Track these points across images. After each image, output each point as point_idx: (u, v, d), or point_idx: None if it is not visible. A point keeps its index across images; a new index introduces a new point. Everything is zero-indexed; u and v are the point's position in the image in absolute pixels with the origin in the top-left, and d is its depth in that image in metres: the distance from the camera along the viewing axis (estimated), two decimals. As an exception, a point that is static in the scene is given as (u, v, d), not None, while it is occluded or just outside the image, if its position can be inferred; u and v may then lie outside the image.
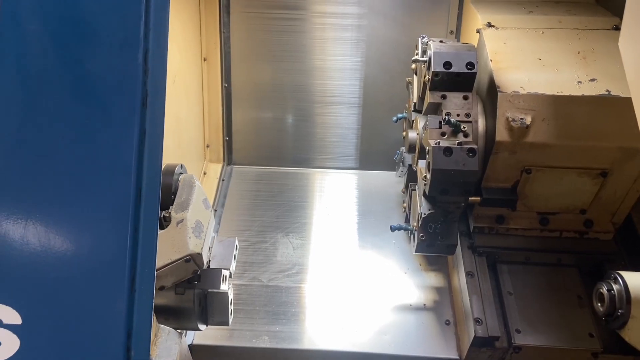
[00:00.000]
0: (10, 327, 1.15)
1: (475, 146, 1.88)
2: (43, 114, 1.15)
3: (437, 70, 1.97)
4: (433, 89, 2.02)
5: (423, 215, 2.09)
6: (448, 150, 1.88)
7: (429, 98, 2.04)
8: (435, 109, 2.05)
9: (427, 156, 1.95)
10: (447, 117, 1.93)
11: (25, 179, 1.15)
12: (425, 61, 2.10)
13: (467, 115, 1.98)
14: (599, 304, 1.83)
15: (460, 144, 1.90)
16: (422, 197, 2.12)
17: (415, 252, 2.25)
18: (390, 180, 3.08)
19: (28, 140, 1.15)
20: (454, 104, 2.00)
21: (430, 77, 2.01)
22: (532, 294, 2.21)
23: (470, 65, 1.96)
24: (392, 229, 2.41)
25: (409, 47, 2.48)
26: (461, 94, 2.00)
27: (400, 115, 2.57)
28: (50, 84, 1.15)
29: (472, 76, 1.98)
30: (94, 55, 1.14)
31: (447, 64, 1.97)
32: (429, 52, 2.04)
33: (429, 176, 1.93)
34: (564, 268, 2.29)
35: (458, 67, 1.97)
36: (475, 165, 1.87)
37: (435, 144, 1.90)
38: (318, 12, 2.95)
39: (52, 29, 1.14)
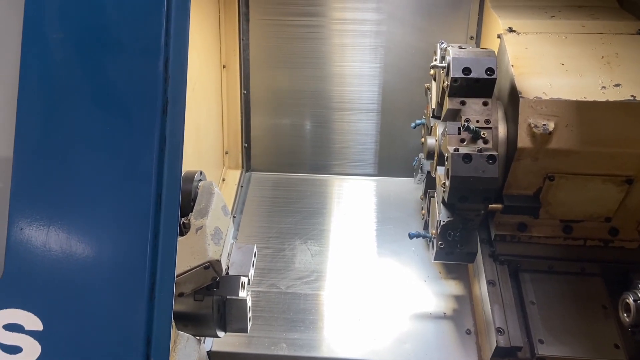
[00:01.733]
0: (32, 333, 1.16)
1: (495, 153, 1.85)
2: (65, 122, 1.16)
3: (456, 76, 1.95)
4: (452, 94, 2.00)
5: (442, 223, 2.07)
6: (467, 157, 1.85)
7: (448, 104, 2.02)
8: (454, 115, 2.03)
9: (446, 163, 1.93)
10: (466, 124, 1.90)
11: (48, 186, 1.17)
12: (444, 67, 2.08)
13: (487, 121, 1.95)
14: (625, 314, 1.78)
15: (479, 150, 1.87)
16: (441, 204, 2.10)
17: (434, 260, 2.22)
18: (409, 187, 3.06)
19: (50, 147, 1.17)
20: (474, 110, 1.98)
21: (449, 83, 1.99)
22: (555, 304, 2.17)
23: (490, 70, 1.94)
24: (411, 236, 2.39)
25: (428, 53, 2.47)
26: (481, 100, 1.98)
27: (418, 122, 2.56)
28: (72, 92, 1.16)
29: (492, 82, 1.96)
30: (115, 64, 1.15)
31: (467, 70, 1.95)
32: (447, 57, 2.02)
33: (447, 183, 1.91)
34: (588, 277, 2.24)
35: (477, 72, 1.95)
36: (495, 172, 1.84)
37: (454, 150, 1.88)
38: (337, 19, 2.95)
39: (74, 38, 1.15)
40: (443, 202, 2.05)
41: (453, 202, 1.95)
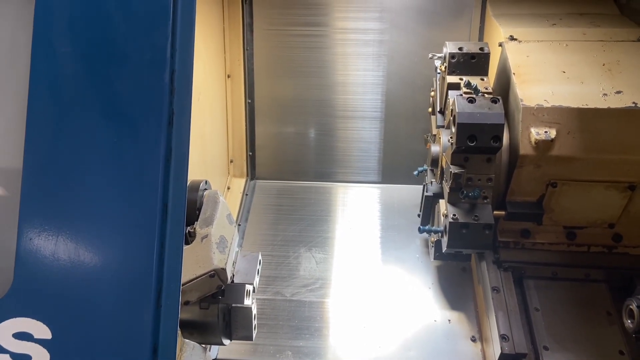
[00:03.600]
0: (41, 342, 1.18)
1: (498, 97, 1.89)
2: (74, 133, 1.19)
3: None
4: (451, 72, 2.12)
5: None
6: (471, 100, 1.89)
7: (449, 79, 2.09)
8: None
9: (451, 109, 1.95)
10: (467, 81, 1.97)
11: (56, 197, 1.19)
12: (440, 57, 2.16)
13: (486, 88, 2.03)
14: (629, 321, 1.79)
15: (482, 95, 1.92)
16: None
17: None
18: (412, 194, 3.07)
19: (59, 158, 1.19)
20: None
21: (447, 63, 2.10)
22: (559, 310, 2.17)
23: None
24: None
25: (430, 62, 2.49)
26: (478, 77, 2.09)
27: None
28: (80, 104, 1.19)
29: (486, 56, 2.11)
30: (122, 76, 1.17)
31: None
32: (444, 49, 2.06)
33: (454, 129, 1.90)
34: (593, 283, 2.25)
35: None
36: (501, 109, 1.86)
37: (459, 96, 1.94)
38: (340, 28, 2.98)
39: (83, 52, 1.18)
40: (451, 161, 1.99)
41: (462, 144, 1.89)
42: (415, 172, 2.58)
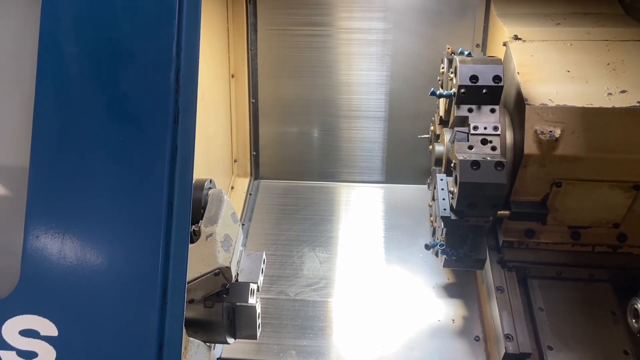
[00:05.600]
0: (47, 339, 1.19)
1: (503, 160, 1.87)
2: (80, 132, 1.19)
3: (464, 84, 1.96)
4: (459, 102, 2.02)
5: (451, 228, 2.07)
6: (475, 164, 1.87)
7: (456, 112, 2.03)
8: (462, 122, 2.04)
9: (454, 170, 1.95)
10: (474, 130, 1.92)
11: (62, 195, 1.19)
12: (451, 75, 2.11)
13: (495, 128, 1.97)
14: (634, 320, 1.78)
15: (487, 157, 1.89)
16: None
17: (444, 266, 2.22)
18: (416, 194, 3.07)
19: (65, 156, 1.20)
20: (481, 118, 1.99)
21: (456, 91, 2.01)
22: (564, 310, 2.16)
23: (497, 79, 1.96)
24: (428, 247, 2.37)
25: (434, 61, 2.49)
26: (488, 107, 2.00)
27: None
28: (86, 103, 1.19)
29: (499, 89, 1.97)
30: (128, 75, 1.18)
31: (474, 78, 1.97)
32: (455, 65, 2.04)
33: (456, 190, 1.93)
34: (597, 283, 2.24)
35: (485, 80, 1.96)
36: (503, 179, 1.85)
37: (463, 157, 1.89)
38: (344, 28, 2.98)
39: (89, 51, 1.18)
40: (451, 209, 2.05)
41: (462, 208, 1.96)
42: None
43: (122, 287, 1.18)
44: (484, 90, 1.95)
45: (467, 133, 1.95)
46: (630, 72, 2.09)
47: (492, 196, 1.88)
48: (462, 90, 1.97)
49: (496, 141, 1.94)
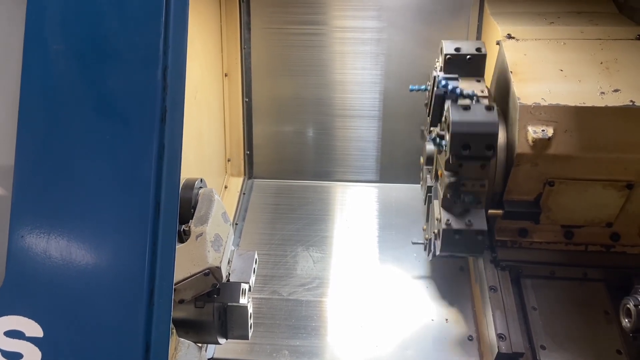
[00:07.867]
0: (32, 340, 1.17)
1: (493, 104, 1.86)
2: (66, 130, 1.18)
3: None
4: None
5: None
6: (466, 107, 1.85)
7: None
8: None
9: (446, 116, 1.92)
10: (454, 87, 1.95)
11: (48, 194, 1.18)
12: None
13: (482, 90, 1.99)
14: (627, 320, 1.78)
15: (477, 100, 1.89)
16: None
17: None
18: (410, 193, 3.07)
19: (51, 155, 1.18)
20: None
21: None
22: (557, 310, 2.16)
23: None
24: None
25: (428, 60, 2.48)
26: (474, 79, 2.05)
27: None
28: (72, 101, 1.18)
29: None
30: (115, 73, 1.17)
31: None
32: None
33: (448, 136, 1.88)
34: (590, 282, 2.24)
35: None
36: (495, 117, 1.82)
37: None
38: (338, 27, 2.97)
39: (74, 48, 1.17)
40: (446, 166, 1.99)
41: (456, 152, 1.87)
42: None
43: (108, 287, 1.17)
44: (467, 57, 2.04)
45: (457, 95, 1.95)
46: (624, 71, 2.08)
47: (485, 134, 1.83)
48: (448, 57, 2.05)
49: (485, 101, 1.94)
